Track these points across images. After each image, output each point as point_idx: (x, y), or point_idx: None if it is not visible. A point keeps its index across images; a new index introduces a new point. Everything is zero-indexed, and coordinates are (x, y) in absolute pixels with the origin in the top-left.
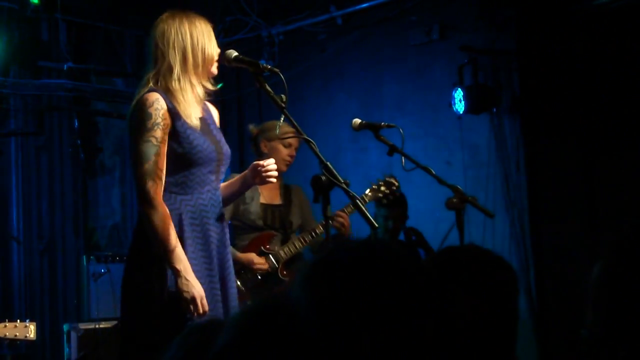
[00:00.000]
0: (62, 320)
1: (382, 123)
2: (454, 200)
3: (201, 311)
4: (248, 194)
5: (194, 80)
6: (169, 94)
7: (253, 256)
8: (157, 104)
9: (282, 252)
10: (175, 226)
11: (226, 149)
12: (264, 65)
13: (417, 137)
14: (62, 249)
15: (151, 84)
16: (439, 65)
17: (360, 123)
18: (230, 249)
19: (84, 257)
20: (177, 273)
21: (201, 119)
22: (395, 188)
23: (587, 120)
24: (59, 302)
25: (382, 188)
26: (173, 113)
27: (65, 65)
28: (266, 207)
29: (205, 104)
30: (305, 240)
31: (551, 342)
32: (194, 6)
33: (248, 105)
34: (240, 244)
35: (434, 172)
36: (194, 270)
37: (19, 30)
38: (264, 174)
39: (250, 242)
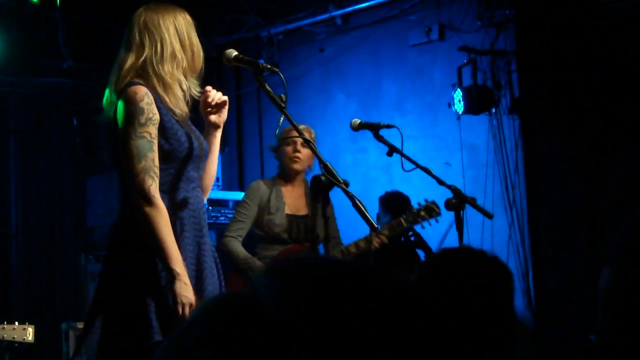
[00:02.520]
0: (61, 319)
1: (381, 123)
2: (453, 200)
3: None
4: (273, 203)
5: (180, 75)
6: (156, 87)
7: None
8: (148, 97)
9: None
10: (174, 226)
11: (205, 144)
12: (264, 64)
13: (416, 137)
14: (60, 247)
15: (131, 74)
16: (438, 65)
17: (359, 123)
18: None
19: (83, 256)
20: (175, 276)
21: (184, 114)
22: (435, 215)
23: (585, 121)
24: (57, 301)
25: (422, 213)
26: (159, 107)
27: (64, 64)
28: (291, 218)
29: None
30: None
31: (550, 343)
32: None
33: (247, 105)
34: (264, 254)
35: (433, 173)
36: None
37: (18, 29)
38: (210, 100)
39: (279, 256)
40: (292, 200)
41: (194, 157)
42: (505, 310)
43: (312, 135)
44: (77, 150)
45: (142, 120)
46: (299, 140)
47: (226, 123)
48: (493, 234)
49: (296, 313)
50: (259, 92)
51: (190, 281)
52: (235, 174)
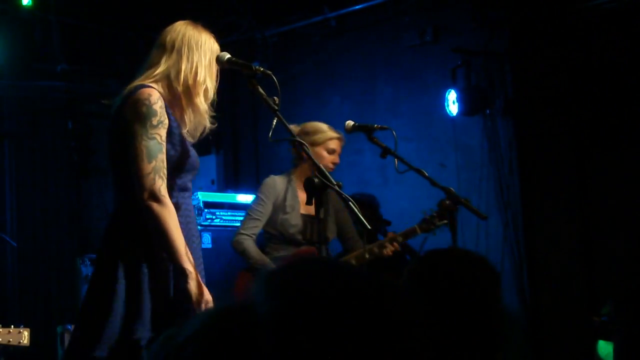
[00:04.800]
0: (56, 322)
1: (376, 125)
2: (447, 202)
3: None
4: (289, 202)
5: (203, 98)
6: (181, 97)
7: None
8: (161, 101)
9: None
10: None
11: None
12: (257, 67)
13: (411, 139)
14: (55, 251)
15: (156, 77)
16: (432, 67)
17: (353, 125)
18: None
19: (78, 259)
20: (188, 274)
21: (193, 130)
22: (445, 223)
23: (580, 122)
24: (52, 304)
25: (436, 220)
26: (169, 114)
27: (58, 67)
28: (306, 218)
29: None
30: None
31: (544, 342)
32: (187, 8)
33: (242, 107)
34: (274, 254)
35: (427, 174)
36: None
37: (12, 32)
38: None
39: (291, 258)
40: (305, 199)
41: (192, 169)
42: (492, 310)
43: (298, 129)
44: (72, 154)
45: (155, 122)
46: (339, 151)
47: (221, 125)
48: (488, 234)
49: (293, 327)
50: (253, 95)
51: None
52: (230, 175)
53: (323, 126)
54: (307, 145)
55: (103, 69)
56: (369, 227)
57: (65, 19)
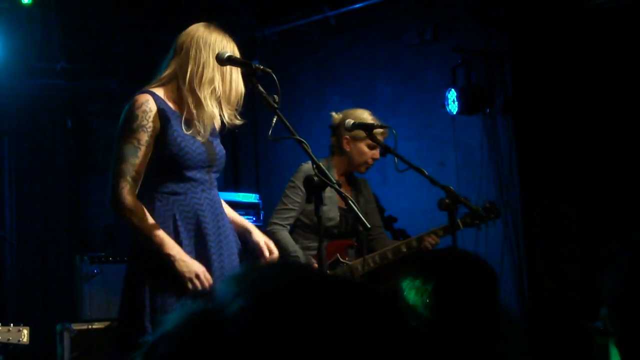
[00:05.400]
0: (55, 320)
1: (376, 124)
2: (447, 201)
3: (207, 284)
4: (327, 194)
5: (214, 101)
6: (187, 98)
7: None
8: (146, 105)
9: (359, 267)
10: (169, 227)
11: (219, 149)
12: (257, 65)
13: (410, 137)
14: (55, 249)
15: (163, 81)
16: (432, 66)
17: (353, 124)
18: (235, 244)
19: (77, 257)
20: (172, 259)
21: (205, 130)
22: (494, 217)
23: (580, 121)
24: (51, 303)
25: (482, 215)
26: (165, 116)
27: (58, 66)
28: (342, 212)
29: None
30: (386, 258)
31: (544, 342)
32: (188, 7)
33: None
34: (304, 242)
35: (426, 173)
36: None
37: (12, 31)
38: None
39: (327, 249)
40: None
41: (199, 162)
42: (490, 310)
43: (339, 117)
44: (72, 152)
45: (134, 126)
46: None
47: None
48: (487, 234)
49: (265, 326)
50: (253, 92)
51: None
52: (229, 174)
53: (367, 116)
54: (306, 144)
55: (103, 68)
56: (368, 226)
57: (65, 18)
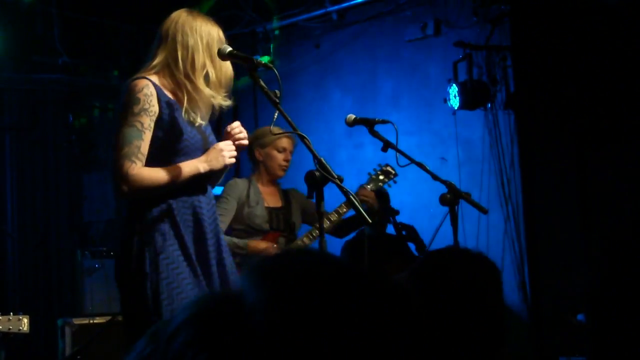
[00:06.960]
0: (56, 315)
1: (377, 119)
2: (448, 196)
3: (235, 153)
4: (252, 197)
5: (205, 85)
6: (182, 84)
7: (259, 242)
8: (147, 89)
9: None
10: (165, 212)
11: (211, 139)
12: (258, 60)
13: (412, 132)
14: (56, 244)
15: (156, 69)
16: (433, 60)
17: (354, 119)
18: (231, 238)
19: (79, 252)
20: (203, 168)
21: (201, 116)
22: (392, 176)
23: (581, 116)
24: (53, 297)
25: (381, 177)
26: (163, 101)
27: (59, 60)
28: (270, 210)
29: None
30: (312, 236)
31: (545, 336)
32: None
33: (243, 100)
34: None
35: (428, 168)
36: (189, 254)
37: (13, 25)
38: (234, 137)
39: (263, 240)
40: (268, 195)
41: (195, 150)
42: (494, 307)
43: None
44: (73, 147)
45: (136, 109)
46: (290, 149)
47: (222, 120)
48: (489, 228)
49: (282, 316)
50: (255, 87)
51: (202, 263)
52: (231, 169)
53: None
54: (308, 139)
55: (104, 62)
56: (370, 221)
57: (66, 12)
